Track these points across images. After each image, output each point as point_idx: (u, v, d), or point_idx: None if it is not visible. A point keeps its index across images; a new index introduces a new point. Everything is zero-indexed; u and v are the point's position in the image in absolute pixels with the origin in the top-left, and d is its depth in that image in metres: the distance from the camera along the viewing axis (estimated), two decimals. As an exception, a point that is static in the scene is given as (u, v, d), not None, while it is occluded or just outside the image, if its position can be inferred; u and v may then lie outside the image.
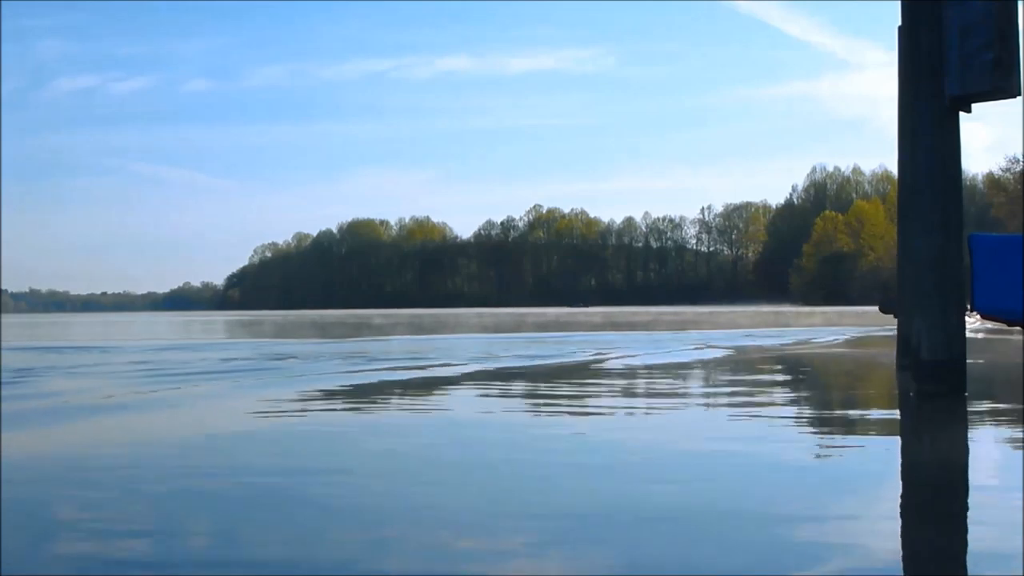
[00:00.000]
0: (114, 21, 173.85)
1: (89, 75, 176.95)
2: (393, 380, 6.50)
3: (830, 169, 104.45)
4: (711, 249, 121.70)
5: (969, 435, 3.72)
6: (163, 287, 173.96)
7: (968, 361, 4.81)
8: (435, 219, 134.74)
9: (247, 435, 3.85)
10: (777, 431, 3.83)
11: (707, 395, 5.57)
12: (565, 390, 5.86)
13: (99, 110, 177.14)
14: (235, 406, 4.93)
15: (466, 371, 7.12)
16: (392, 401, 5.31)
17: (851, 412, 4.69)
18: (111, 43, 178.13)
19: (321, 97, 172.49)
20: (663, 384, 6.17)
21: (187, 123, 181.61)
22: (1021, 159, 59.36)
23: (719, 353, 9.58)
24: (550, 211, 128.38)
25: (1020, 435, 3.61)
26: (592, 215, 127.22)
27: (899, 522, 2.31)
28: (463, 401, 5.22)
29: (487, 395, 5.43)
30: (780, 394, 5.44)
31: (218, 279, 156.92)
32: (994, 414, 4.26)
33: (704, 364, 8.15)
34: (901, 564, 1.94)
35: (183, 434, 3.89)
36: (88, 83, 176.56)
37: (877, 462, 3.13)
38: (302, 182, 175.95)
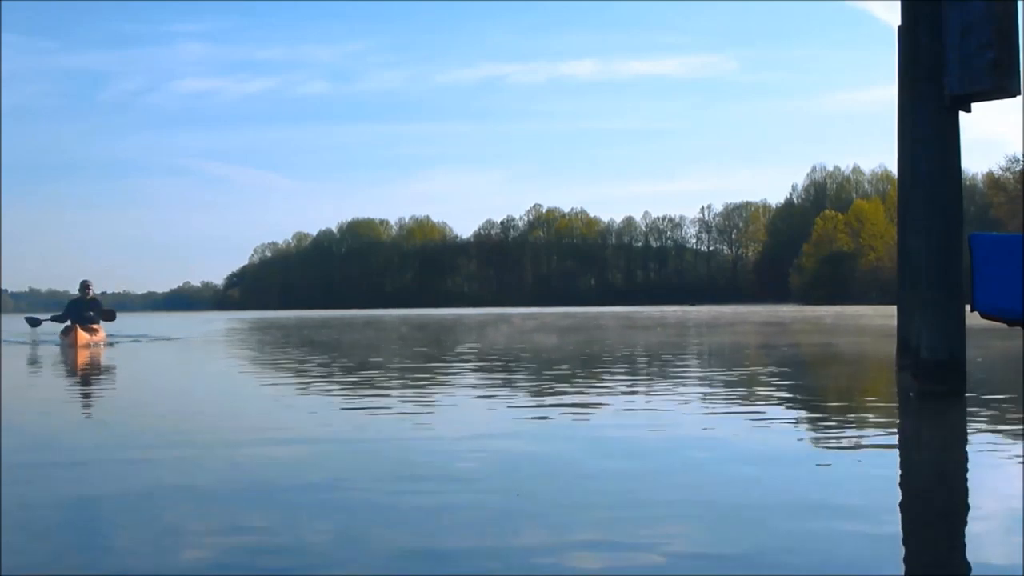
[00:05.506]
0: (261, 27, 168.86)
1: (216, 78, 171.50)
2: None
3: (830, 168, 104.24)
4: (711, 249, 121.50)
5: (969, 435, 3.71)
6: (163, 287, 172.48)
7: (968, 361, 4.81)
8: (435, 219, 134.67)
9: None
10: (777, 430, 3.83)
11: (703, 390, 5.56)
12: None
13: (195, 113, 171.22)
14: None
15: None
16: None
17: (850, 412, 4.69)
18: (250, 48, 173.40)
19: (422, 100, 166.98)
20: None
21: (254, 124, 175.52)
22: (1021, 159, 59.34)
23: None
24: (550, 211, 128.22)
25: (1020, 435, 3.61)
26: (592, 215, 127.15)
27: (899, 521, 2.31)
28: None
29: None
30: (778, 393, 5.43)
31: (218, 278, 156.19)
32: (994, 414, 4.25)
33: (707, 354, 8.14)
34: (902, 564, 1.94)
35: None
36: (210, 86, 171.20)
37: (876, 462, 3.12)
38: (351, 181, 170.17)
